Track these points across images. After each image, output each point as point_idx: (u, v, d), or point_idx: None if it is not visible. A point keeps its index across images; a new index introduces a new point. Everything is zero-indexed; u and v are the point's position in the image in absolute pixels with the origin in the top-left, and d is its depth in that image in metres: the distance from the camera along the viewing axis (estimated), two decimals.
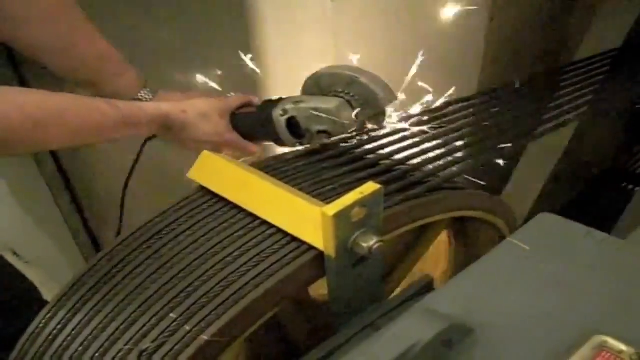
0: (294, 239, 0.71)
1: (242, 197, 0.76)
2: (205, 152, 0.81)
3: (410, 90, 0.96)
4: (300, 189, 0.77)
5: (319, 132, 0.91)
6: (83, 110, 0.77)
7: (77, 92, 0.82)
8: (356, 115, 0.90)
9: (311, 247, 0.70)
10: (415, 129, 0.94)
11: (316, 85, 0.94)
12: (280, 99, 0.95)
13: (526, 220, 0.74)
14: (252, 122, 0.97)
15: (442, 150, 0.90)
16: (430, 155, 0.88)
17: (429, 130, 0.95)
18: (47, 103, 0.74)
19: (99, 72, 0.95)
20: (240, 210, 0.76)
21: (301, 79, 0.95)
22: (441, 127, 0.96)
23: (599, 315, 0.61)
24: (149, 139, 0.97)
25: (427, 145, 0.90)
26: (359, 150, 0.89)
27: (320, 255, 0.70)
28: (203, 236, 0.74)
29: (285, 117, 0.93)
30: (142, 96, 0.98)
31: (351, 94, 0.90)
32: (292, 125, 0.93)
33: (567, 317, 0.61)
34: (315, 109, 0.90)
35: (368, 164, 0.85)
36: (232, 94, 1.00)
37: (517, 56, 1.50)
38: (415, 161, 0.87)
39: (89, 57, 0.93)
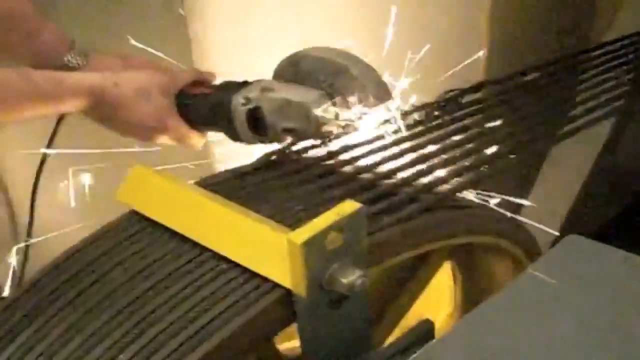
0: (254, 275, 0.72)
1: (186, 223, 0.77)
2: (137, 168, 0.82)
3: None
4: (260, 212, 0.77)
5: (285, 130, 0.92)
6: None
7: None
8: (336, 116, 0.91)
9: (276, 285, 0.71)
10: (398, 135, 0.95)
11: (293, 68, 0.95)
12: (245, 83, 0.96)
13: (551, 246, 0.75)
14: (204, 108, 0.97)
15: (442, 156, 0.91)
16: (427, 164, 0.89)
17: (422, 133, 0.96)
18: None
19: (9, 32, 0.95)
20: (184, 240, 0.76)
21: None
22: (438, 127, 0.98)
23: None
24: (62, 118, 0.97)
25: (419, 152, 0.91)
26: (336, 160, 0.90)
27: (288, 295, 0.71)
28: (138, 273, 0.75)
29: (248, 107, 0.94)
30: (69, 61, 0.98)
31: (335, 87, 0.91)
32: (255, 117, 0.94)
33: None
34: (287, 101, 0.91)
35: (347, 178, 0.86)
36: (183, 67, 1.01)
37: (528, 37, 1.52)
38: (406, 173, 0.87)
39: None
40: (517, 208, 0.96)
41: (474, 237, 0.90)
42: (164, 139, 0.97)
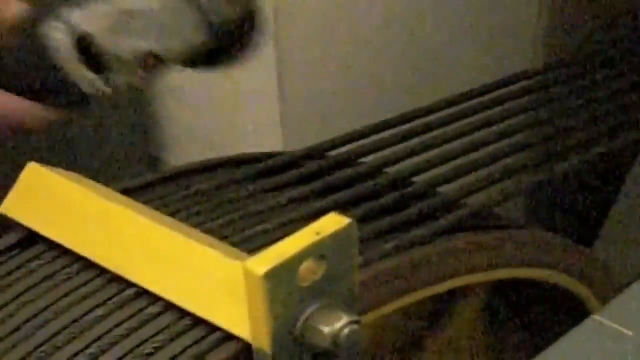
0: (198, 321, 0.67)
1: (100, 247, 0.72)
2: (32, 167, 0.78)
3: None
4: (207, 231, 0.74)
5: (145, 56, 0.84)
6: None
7: None
8: (205, 15, 0.84)
9: (228, 336, 0.66)
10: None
11: None
12: (58, 2, 0.87)
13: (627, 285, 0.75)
14: (10, 55, 0.88)
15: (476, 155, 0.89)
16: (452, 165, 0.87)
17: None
18: None
19: None
20: (99, 272, 0.72)
21: None
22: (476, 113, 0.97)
23: None
24: None
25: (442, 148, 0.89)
26: (321, 161, 0.87)
27: (246, 351, 0.66)
28: (34, 317, 0.69)
29: (71, 37, 0.84)
30: None
31: None
32: (86, 48, 0.85)
33: None
34: (127, 12, 0.83)
35: (335, 184, 0.83)
36: None
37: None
38: (422, 177, 0.85)
39: None
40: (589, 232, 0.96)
41: (521, 271, 0.87)
42: None
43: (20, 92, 0.87)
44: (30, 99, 0.86)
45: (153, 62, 0.83)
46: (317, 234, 0.64)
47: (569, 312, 0.95)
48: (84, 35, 0.82)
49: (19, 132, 0.88)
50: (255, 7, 0.86)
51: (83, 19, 0.82)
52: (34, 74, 0.86)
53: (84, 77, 0.84)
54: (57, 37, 0.83)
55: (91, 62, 0.83)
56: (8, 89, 0.86)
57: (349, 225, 0.65)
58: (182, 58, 0.85)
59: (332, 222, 0.65)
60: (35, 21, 0.85)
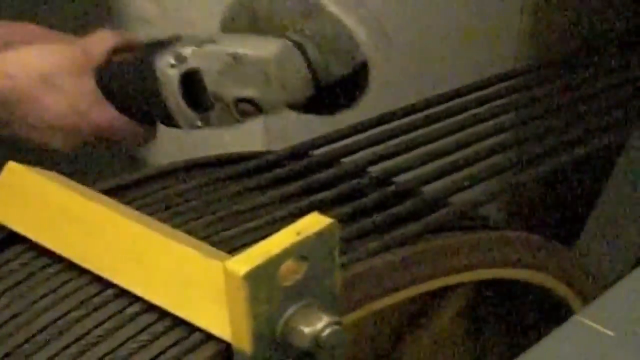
0: (178, 321, 0.67)
1: (81, 247, 0.72)
2: (11, 167, 0.77)
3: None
4: (188, 231, 0.73)
5: (240, 100, 0.86)
6: None
7: None
8: (314, 72, 0.85)
9: (209, 337, 0.66)
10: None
11: (245, 13, 0.90)
12: (177, 38, 0.90)
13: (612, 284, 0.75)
14: (126, 81, 0.91)
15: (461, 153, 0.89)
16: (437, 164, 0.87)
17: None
18: None
19: None
20: (78, 272, 0.72)
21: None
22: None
23: None
24: None
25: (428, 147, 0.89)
26: (304, 160, 0.87)
27: (226, 351, 0.66)
28: (14, 317, 0.69)
29: (180, 69, 0.87)
30: None
31: (307, 33, 0.86)
32: (192, 85, 0.88)
33: None
34: (237, 57, 0.84)
35: (317, 184, 0.83)
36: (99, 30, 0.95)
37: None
38: (405, 177, 0.85)
39: None
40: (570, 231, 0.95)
41: (505, 270, 0.87)
42: (92, 139, 0.92)
43: (124, 111, 0.91)
44: (132, 117, 0.91)
45: (251, 109, 0.85)
46: (298, 233, 0.64)
47: (551, 312, 0.95)
48: (192, 71, 0.84)
49: (114, 144, 0.94)
50: (364, 62, 0.87)
51: (194, 57, 0.85)
52: (140, 99, 0.89)
53: (184, 112, 0.86)
54: (166, 71, 0.85)
55: (193, 99, 0.86)
56: (116, 106, 0.90)
57: (330, 225, 0.65)
58: (281, 107, 0.86)
59: (314, 222, 0.65)
60: (150, 52, 0.88)
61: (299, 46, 0.85)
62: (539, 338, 0.70)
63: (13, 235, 0.76)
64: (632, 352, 0.67)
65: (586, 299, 0.92)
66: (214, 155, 0.88)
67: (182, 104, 0.88)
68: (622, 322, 0.69)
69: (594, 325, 0.69)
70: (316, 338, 0.64)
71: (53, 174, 0.79)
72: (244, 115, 0.87)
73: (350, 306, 0.73)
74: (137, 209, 0.76)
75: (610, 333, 0.68)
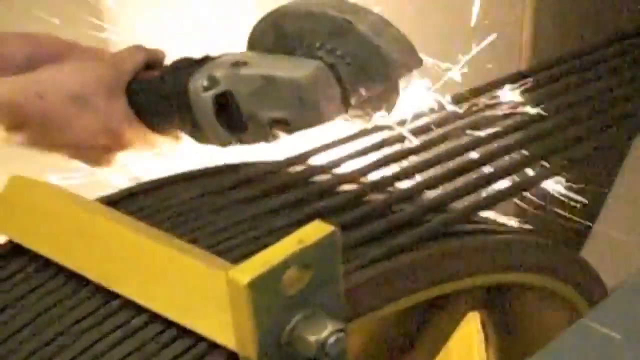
0: (183, 331, 0.67)
1: (85, 258, 0.72)
2: (15, 178, 0.77)
3: None
4: (190, 240, 0.73)
5: (272, 121, 0.86)
6: None
7: None
8: (345, 92, 0.86)
9: (214, 346, 0.66)
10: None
11: (274, 32, 0.90)
12: (207, 58, 0.90)
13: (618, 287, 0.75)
14: (158, 100, 0.92)
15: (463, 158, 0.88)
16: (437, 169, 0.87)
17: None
18: None
19: None
20: (84, 282, 0.72)
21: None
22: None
23: None
24: None
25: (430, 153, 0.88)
26: (303, 167, 0.86)
27: None
28: (20, 330, 0.69)
29: (213, 92, 0.88)
30: None
31: (338, 53, 0.87)
32: (225, 107, 0.88)
33: None
34: (270, 79, 0.85)
35: (319, 193, 0.82)
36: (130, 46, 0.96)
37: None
38: (407, 183, 0.84)
39: None
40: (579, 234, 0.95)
41: (507, 275, 0.87)
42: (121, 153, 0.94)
43: (153, 128, 0.93)
44: (162, 133, 0.93)
45: (283, 128, 0.85)
46: (300, 242, 0.63)
47: (557, 315, 0.94)
48: (225, 93, 0.85)
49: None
50: (395, 81, 0.87)
51: (227, 79, 0.85)
52: (172, 118, 0.91)
53: (217, 132, 0.87)
54: (200, 93, 0.86)
55: (225, 119, 0.86)
56: (146, 123, 0.92)
57: (333, 233, 0.65)
58: (312, 127, 0.86)
59: (316, 230, 0.65)
60: (181, 72, 0.89)
61: (332, 67, 0.86)
62: (545, 342, 0.69)
63: (17, 247, 0.76)
64: (639, 356, 0.67)
65: (593, 302, 0.92)
66: (215, 165, 0.88)
67: (217, 125, 0.89)
68: (629, 325, 0.69)
69: (601, 328, 0.68)
70: (321, 346, 0.64)
71: (56, 185, 0.79)
72: (276, 134, 0.88)
73: (354, 314, 0.72)
74: (140, 219, 0.76)
75: (617, 336, 0.67)
